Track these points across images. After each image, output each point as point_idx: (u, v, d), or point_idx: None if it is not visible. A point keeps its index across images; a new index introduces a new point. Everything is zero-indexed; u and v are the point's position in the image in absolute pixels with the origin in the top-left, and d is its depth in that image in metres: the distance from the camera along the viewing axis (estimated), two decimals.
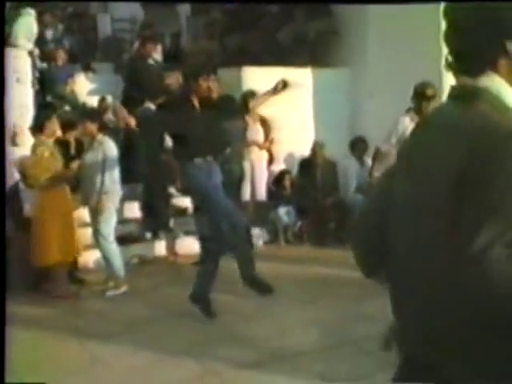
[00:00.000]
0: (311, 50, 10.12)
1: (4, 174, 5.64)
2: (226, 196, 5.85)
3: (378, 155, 6.61)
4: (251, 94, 7.84)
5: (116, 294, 6.66)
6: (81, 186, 6.94)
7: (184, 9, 12.09)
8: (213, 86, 5.72)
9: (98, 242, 6.83)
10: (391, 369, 1.66)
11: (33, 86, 8.98)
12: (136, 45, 10.18)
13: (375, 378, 4.42)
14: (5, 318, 4.78)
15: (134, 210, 8.50)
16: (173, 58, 10.63)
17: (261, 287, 5.94)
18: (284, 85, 6.23)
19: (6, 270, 5.37)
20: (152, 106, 8.38)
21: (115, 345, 5.19)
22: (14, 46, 8.96)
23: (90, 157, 6.82)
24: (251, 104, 7.23)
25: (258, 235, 8.55)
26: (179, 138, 5.78)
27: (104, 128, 7.22)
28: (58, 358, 5.02)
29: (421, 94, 5.90)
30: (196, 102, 5.73)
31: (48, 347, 5.28)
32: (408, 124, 5.86)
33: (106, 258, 6.82)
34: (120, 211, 7.76)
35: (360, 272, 1.80)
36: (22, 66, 9.00)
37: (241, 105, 7.16)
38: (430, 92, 5.91)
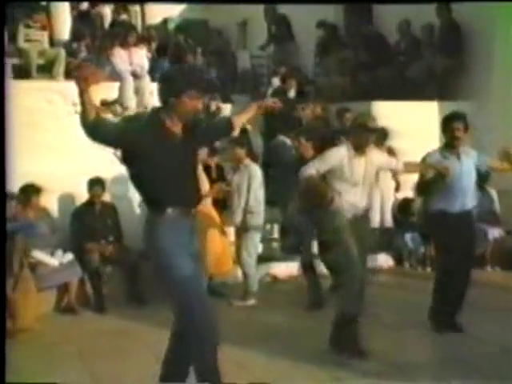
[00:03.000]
0: (438, 85, 10.46)
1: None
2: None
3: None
4: None
5: (244, 305, 7.21)
6: (228, 206, 7.54)
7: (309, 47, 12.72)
8: (199, 105, 4.08)
9: (240, 258, 7.40)
10: None
11: None
12: (276, 80, 10.88)
13: None
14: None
15: (272, 230, 9.17)
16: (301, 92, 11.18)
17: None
18: None
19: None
20: (286, 139, 9.01)
21: (249, 351, 5.54)
22: None
23: (236, 178, 7.43)
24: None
25: (385, 260, 9.06)
26: (147, 175, 3.98)
27: (249, 154, 7.80)
28: None
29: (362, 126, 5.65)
30: (175, 127, 4.03)
31: None
32: (343, 155, 5.61)
33: (245, 273, 7.43)
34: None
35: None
36: None
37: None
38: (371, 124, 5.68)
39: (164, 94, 4.04)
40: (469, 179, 6.32)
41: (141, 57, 9.86)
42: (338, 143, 9.19)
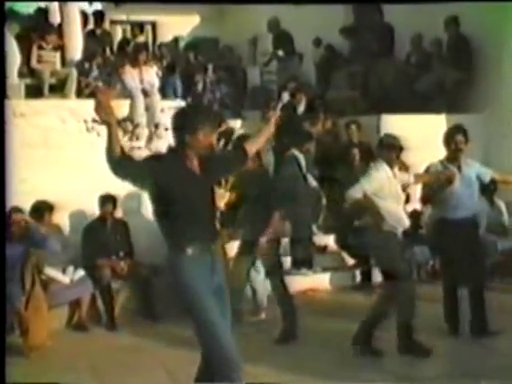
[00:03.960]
0: (447, 98, 10.51)
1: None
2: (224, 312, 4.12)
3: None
4: None
5: (255, 320, 7.25)
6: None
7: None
8: (213, 141, 4.15)
9: (247, 273, 7.44)
10: None
11: None
12: (285, 95, 10.96)
13: None
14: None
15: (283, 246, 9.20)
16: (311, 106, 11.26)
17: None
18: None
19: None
20: (297, 152, 9.05)
21: (260, 365, 5.54)
22: None
23: None
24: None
25: None
26: (169, 213, 4.02)
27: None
28: None
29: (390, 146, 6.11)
30: (192, 164, 4.09)
31: None
32: (385, 176, 5.98)
33: (253, 288, 7.46)
34: None
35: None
36: None
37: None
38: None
39: (179, 133, 4.09)
40: (470, 190, 6.49)
41: (151, 75, 9.95)
42: (349, 157, 9.34)
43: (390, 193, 5.97)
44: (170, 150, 4.25)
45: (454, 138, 6.41)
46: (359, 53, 12.20)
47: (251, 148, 4.51)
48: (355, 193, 5.87)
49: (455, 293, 6.55)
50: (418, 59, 11.32)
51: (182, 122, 4.11)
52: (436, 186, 6.41)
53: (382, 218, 5.88)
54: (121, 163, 3.77)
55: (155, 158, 4.22)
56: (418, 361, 5.86)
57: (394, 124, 9.58)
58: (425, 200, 6.83)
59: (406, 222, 6.19)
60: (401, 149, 8.16)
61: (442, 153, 6.65)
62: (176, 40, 14.14)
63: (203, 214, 4.07)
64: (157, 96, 9.80)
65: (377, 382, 5.32)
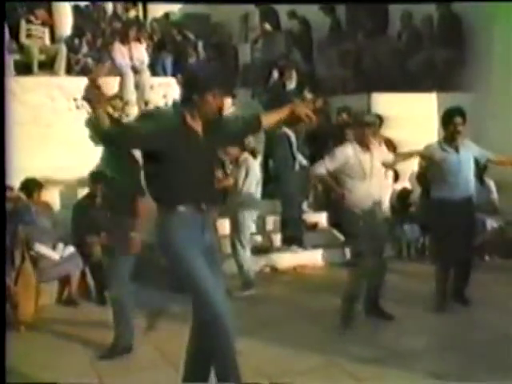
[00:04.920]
0: (438, 77, 10.51)
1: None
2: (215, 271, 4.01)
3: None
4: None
5: (244, 295, 7.26)
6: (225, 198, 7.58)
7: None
8: (222, 104, 4.12)
9: (234, 249, 7.51)
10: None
11: None
12: (275, 73, 10.95)
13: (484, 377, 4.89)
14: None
15: (274, 223, 9.30)
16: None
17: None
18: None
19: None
20: (287, 130, 9.07)
21: (249, 340, 5.49)
22: None
23: (235, 172, 7.55)
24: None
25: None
26: (163, 173, 3.93)
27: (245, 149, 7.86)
28: None
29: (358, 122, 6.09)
30: (196, 125, 3.99)
31: None
32: (350, 152, 5.98)
33: (238, 264, 7.50)
34: (262, 224, 8.82)
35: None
36: (169, 91, 10.03)
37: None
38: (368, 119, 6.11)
39: (187, 91, 4.01)
40: (467, 170, 6.53)
41: (141, 51, 9.92)
42: (341, 136, 9.36)
43: (358, 171, 6.00)
44: (174, 107, 4.23)
45: (452, 120, 6.43)
46: (353, 30, 12.15)
47: (266, 119, 4.38)
48: (317, 169, 6.10)
49: (447, 271, 6.62)
50: (409, 38, 11.28)
51: (193, 80, 4.02)
52: (428, 168, 6.57)
53: (342, 196, 6.03)
54: (113, 134, 3.77)
55: (150, 116, 4.27)
56: (405, 336, 5.91)
57: (385, 103, 9.59)
58: (419, 180, 6.90)
59: (371, 202, 6.09)
60: (380, 122, 8.33)
61: (432, 131, 6.71)
62: (167, 16, 14.05)
63: (199, 176, 3.96)
64: (147, 73, 9.78)
65: (366, 356, 5.36)
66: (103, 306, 7.24)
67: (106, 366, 5.37)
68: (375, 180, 6.11)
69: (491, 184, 9.28)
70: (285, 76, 10.32)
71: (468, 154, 6.54)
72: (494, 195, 9.31)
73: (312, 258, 8.75)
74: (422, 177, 6.73)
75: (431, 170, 6.76)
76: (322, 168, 6.03)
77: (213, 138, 4.04)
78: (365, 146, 6.01)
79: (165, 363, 5.32)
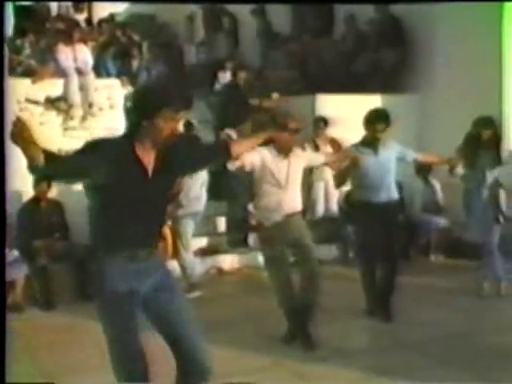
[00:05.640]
0: (383, 78, 10.64)
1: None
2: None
3: None
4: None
5: (189, 298, 7.30)
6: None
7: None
8: (176, 128, 3.44)
9: (176, 252, 7.49)
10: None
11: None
12: (222, 75, 10.94)
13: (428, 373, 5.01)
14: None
15: (219, 225, 9.32)
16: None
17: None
18: None
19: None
20: (232, 133, 9.12)
21: None
22: None
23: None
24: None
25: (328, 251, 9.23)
26: (105, 210, 3.40)
27: None
28: None
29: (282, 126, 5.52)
30: (147, 157, 3.40)
31: None
32: (265, 156, 5.55)
33: (181, 265, 7.52)
34: (207, 225, 8.80)
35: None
36: (114, 93, 9.98)
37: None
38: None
39: (133, 117, 3.42)
40: (386, 173, 6.33)
41: (85, 53, 9.83)
42: None
43: (274, 177, 5.59)
44: (121, 137, 3.46)
45: (372, 124, 6.20)
46: (299, 32, 12.23)
47: (237, 147, 3.90)
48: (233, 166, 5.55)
49: (367, 276, 6.48)
50: (353, 39, 11.40)
51: (138, 105, 3.42)
52: (344, 170, 6.27)
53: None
54: (47, 168, 3.07)
55: (96, 145, 3.35)
56: (350, 335, 6.00)
57: (330, 104, 9.70)
58: (337, 183, 6.62)
59: (290, 209, 5.68)
60: (325, 123, 8.40)
61: None
62: (112, 16, 13.92)
63: (143, 218, 3.41)
64: (91, 75, 9.70)
65: (311, 356, 5.43)
66: (49, 310, 7.20)
67: (51, 366, 5.36)
68: (295, 188, 5.72)
69: (436, 184, 9.46)
70: (238, 77, 10.32)
71: (389, 156, 6.32)
72: (439, 195, 9.49)
73: (258, 258, 8.76)
74: (339, 176, 6.55)
75: (346, 169, 6.39)
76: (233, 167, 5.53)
77: (166, 173, 3.48)
78: (283, 151, 5.60)
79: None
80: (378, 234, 6.27)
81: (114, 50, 11.35)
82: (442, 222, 9.29)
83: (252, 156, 5.45)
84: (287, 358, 5.43)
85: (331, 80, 10.80)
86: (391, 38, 10.63)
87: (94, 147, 3.30)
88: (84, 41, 10.17)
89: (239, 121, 9.52)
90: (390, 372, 5.06)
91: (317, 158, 6.26)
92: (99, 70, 10.54)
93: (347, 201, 6.70)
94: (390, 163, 6.35)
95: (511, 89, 9.33)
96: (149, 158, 3.40)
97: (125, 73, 10.86)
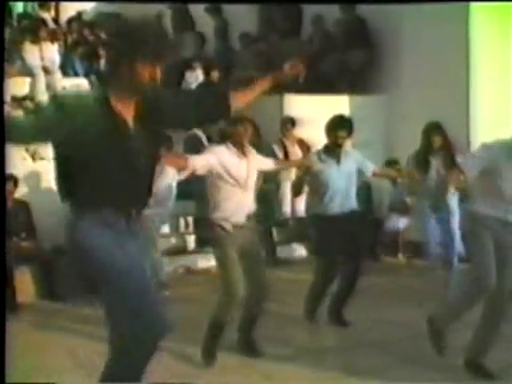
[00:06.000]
0: (350, 79, 10.72)
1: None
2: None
3: None
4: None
5: None
6: None
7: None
8: (156, 75, 3.06)
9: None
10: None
11: None
12: (189, 75, 10.93)
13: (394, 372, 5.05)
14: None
15: (189, 224, 9.34)
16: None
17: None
18: None
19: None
20: (198, 132, 9.12)
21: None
22: None
23: None
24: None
25: (298, 250, 9.29)
26: (80, 173, 3.08)
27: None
28: None
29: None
30: (126, 110, 3.11)
31: None
32: (222, 155, 5.21)
33: (149, 265, 7.48)
34: (177, 225, 8.91)
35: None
36: None
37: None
38: None
39: (109, 64, 3.13)
40: (347, 184, 6.13)
41: (52, 52, 9.77)
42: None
43: (234, 177, 5.24)
44: (96, 88, 3.23)
45: (334, 131, 5.99)
46: (266, 32, 12.25)
47: (239, 98, 3.53)
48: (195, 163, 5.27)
49: (320, 286, 6.30)
50: (321, 40, 11.46)
51: (114, 48, 3.08)
52: (299, 179, 6.14)
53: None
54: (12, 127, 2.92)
55: (65, 98, 3.11)
56: (317, 334, 6.01)
57: (298, 104, 9.73)
58: (293, 192, 6.48)
59: (249, 210, 5.35)
60: (293, 123, 8.35)
61: None
62: (79, 15, 13.83)
63: (129, 177, 3.16)
64: (58, 74, 9.64)
65: (277, 355, 5.44)
66: (14, 312, 7.13)
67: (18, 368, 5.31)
68: (250, 191, 5.36)
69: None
70: (211, 76, 10.31)
71: (350, 166, 6.12)
72: (407, 195, 9.55)
73: None
74: (296, 187, 6.41)
75: (307, 182, 6.22)
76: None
77: (149, 124, 3.16)
78: (240, 150, 5.30)
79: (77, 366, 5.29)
80: (337, 248, 6.04)
81: (82, 49, 11.27)
82: (408, 220, 9.36)
83: (206, 158, 5.22)
84: (255, 358, 5.41)
85: (299, 80, 10.82)
86: (358, 39, 10.72)
87: (60, 103, 3.05)
88: (51, 39, 10.09)
89: (214, 119, 9.50)
90: (359, 371, 5.09)
91: (267, 163, 5.85)
92: (66, 70, 10.47)
93: (308, 213, 6.47)
94: (351, 173, 6.14)
95: (478, 88, 9.45)
96: (127, 109, 3.11)
97: (92, 72, 10.80)
